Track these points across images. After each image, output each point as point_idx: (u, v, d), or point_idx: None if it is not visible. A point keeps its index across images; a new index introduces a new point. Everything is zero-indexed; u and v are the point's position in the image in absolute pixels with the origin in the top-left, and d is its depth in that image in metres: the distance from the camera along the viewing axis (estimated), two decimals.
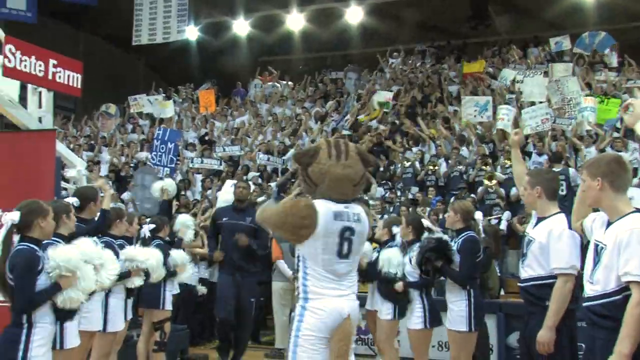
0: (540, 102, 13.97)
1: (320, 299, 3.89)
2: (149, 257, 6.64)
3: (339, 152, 3.86)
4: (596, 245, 4.00)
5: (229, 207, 8.82)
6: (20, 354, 4.53)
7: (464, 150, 14.29)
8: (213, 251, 8.71)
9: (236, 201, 8.65)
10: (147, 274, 6.70)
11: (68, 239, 5.32)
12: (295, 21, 22.60)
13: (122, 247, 6.67)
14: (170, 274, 7.47)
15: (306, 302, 3.91)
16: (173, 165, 14.78)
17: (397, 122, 17.16)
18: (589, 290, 3.96)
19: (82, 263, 4.92)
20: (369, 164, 4.04)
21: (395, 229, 7.26)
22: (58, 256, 4.76)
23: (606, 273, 3.81)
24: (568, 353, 4.67)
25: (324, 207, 3.85)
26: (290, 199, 4.07)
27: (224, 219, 8.52)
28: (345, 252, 3.91)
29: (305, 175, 3.92)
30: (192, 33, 22.38)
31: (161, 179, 13.53)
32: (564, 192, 11.06)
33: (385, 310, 7.08)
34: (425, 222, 6.92)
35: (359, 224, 3.98)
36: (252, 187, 11.99)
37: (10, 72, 7.81)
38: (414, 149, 15.13)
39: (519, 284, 5.14)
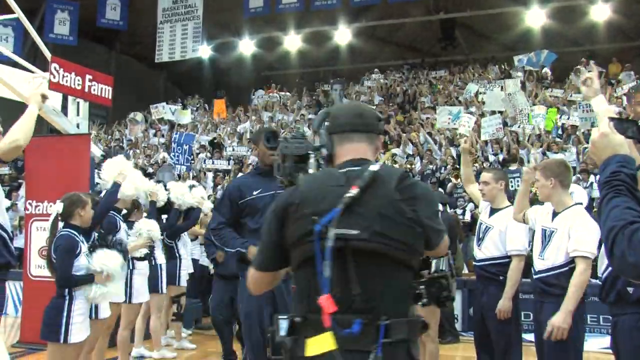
0: (494, 113, 14.11)
1: None
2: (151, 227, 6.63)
3: None
4: (544, 230, 4.27)
5: (249, 177, 4.93)
6: (64, 320, 4.61)
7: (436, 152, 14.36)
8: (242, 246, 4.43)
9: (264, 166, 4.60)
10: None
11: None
12: (293, 41, 22.64)
13: None
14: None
15: None
16: (189, 164, 14.87)
17: None
18: (540, 265, 4.23)
19: (119, 271, 4.97)
20: None
21: None
22: (103, 259, 4.88)
23: (556, 251, 4.10)
24: (514, 317, 4.85)
25: None
26: None
27: (254, 193, 4.58)
28: None
29: None
30: (205, 52, 22.45)
31: (179, 176, 13.62)
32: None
33: None
34: None
35: None
36: None
37: (54, 86, 7.93)
38: (395, 151, 15.14)
39: (474, 263, 5.29)
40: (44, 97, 3.94)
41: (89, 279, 4.76)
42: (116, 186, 5.78)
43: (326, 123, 2.38)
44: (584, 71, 3.62)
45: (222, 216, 4.60)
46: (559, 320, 3.88)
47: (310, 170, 2.44)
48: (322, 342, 2.01)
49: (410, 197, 2.15)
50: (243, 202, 4.49)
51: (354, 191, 2.07)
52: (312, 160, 2.46)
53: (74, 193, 4.97)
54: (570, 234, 4.03)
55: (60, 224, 4.85)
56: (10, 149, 3.50)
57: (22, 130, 3.56)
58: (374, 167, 2.15)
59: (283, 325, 2.13)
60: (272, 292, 3.98)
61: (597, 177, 3.84)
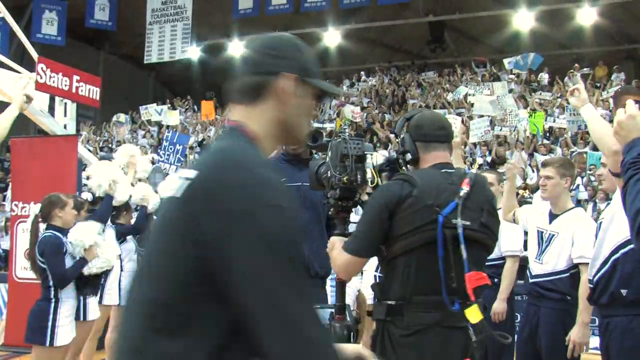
0: (481, 116, 14.16)
1: None
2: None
3: None
4: (541, 232, 4.18)
5: (276, 162, 3.88)
6: (50, 323, 4.59)
7: None
8: None
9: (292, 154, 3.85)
10: None
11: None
12: None
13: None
14: None
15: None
16: (180, 164, 14.80)
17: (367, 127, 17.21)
18: (538, 269, 4.15)
19: (98, 237, 5.02)
20: None
21: None
22: (78, 234, 4.84)
23: (557, 256, 4.01)
24: (509, 319, 4.83)
25: None
26: None
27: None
28: None
29: None
30: (194, 53, 22.37)
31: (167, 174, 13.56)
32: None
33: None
34: None
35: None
36: None
37: (41, 87, 7.87)
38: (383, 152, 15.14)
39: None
40: (28, 98, 3.90)
41: (81, 264, 4.78)
42: (109, 198, 5.64)
43: (405, 128, 2.73)
44: (569, 82, 3.62)
45: None
46: (579, 336, 3.83)
47: (368, 170, 2.72)
48: (474, 313, 2.37)
49: (494, 197, 2.76)
50: None
51: (466, 188, 2.49)
52: (369, 160, 2.73)
53: (54, 194, 4.93)
54: (574, 239, 3.95)
55: (44, 226, 4.80)
56: None
57: None
58: (472, 170, 2.41)
59: (381, 309, 2.53)
60: None
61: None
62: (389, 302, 2.51)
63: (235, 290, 1.31)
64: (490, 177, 5.02)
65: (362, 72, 22.62)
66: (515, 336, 5.24)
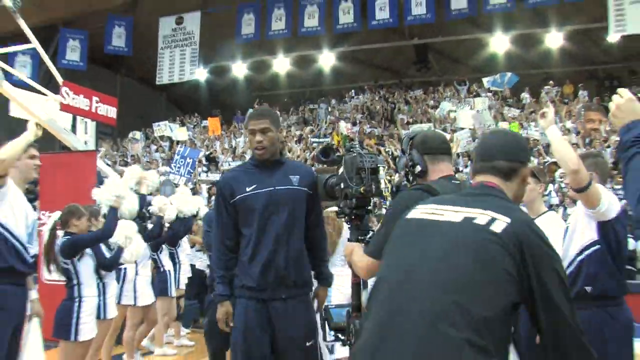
0: (462, 129, 14.28)
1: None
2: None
3: None
4: None
5: (241, 170, 3.51)
6: (74, 320, 4.66)
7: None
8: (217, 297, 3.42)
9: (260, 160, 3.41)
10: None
11: None
12: (282, 64, 22.68)
13: None
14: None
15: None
16: (189, 176, 14.86)
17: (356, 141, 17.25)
18: None
19: (136, 233, 5.71)
20: None
21: None
22: (105, 190, 5.46)
23: None
24: None
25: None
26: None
27: (248, 189, 3.30)
28: None
29: None
30: (201, 74, 22.45)
31: (177, 185, 13.62)
32: None
33: None
34: None
35: None
36: None
37: (65, 107, 8.00)
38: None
39: None
40: (39, 127, 4.01)
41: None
42: (114, 211, 5.43)
43: (410, 146, 2.73)
44: (541, 104, 3.69)
45: (222, 237, 3.32)
46: None
47: (382, 181, 2.85)
48: None
49: None
50: (234, 200, 3.26)
51: None
52: (382, 172, 2.86)
53: (74, 204, 5.03)
54: None
55: (61, 233, 4.88)
56: None
57: (8, 151, 3.61)
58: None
59: None
60: (267, 312, 3.21)
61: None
62: None
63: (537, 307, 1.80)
64: None
65: (353, 91, 22.74)
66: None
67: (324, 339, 3.44)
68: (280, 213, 3.25)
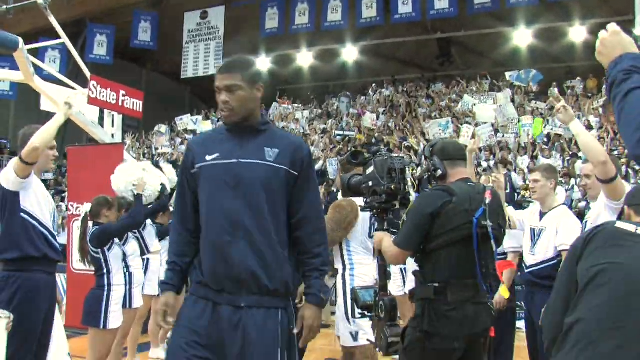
0: (485, 123, 14.17)
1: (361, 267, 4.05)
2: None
3: None
4: (533, 230, 4.33)
5: (213, 132, 2.92)
6: (103, 308, 4.74)
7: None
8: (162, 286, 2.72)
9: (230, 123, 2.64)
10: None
11: None
12: (305, 58, 22.73)
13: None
14: None
15: (352, 270, 4.05)
16: None
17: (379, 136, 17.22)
18: (531, 260, 4.31)
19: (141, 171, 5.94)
20: None
21: None
22: (123, 177, 5.72)
23: (545, 247, 4.17)
24: (509, 308, 4.91)
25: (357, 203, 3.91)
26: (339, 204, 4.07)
27: (208, 158, 2.55)
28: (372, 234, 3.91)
29: None
30: None
31: None
32: (508, 191, 11.18)
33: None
34: None
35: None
36: None
37: (92, 101, 8.09)
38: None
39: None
40: (69, 105, 3.99)
41: (140, 200, 5.58)
42: (139, 199, 5.56)
43: (431, 151, 3.16)
44: (554, 99, 3.72)
45: (181, 215, 2.65)
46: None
47: (408, 179, 3.10)
48: (505, 291, 3.11)
49: (502, 204, 3.26)
50: (193, 171, 2.58)
51: (489, 198, 2.91)
52: (408, 172, 3.12)
53: (103, 196, 5.11)
54: (558, 231, 4.10)
55: (91, 224, 4.97)
56: (29, 152, 3.58)
57: (40, 136, 3.63)
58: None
59: (428, 290, 2.91)
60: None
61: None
62: (435, 284, 2.90)
63: None
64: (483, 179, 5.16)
65: (374, 85, 22.65)
66: (517, 322, 5.32)
67: (353, 316, 3.88)
68: (242, 192, 2.46)
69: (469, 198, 2.93)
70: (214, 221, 2.48)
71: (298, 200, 2.57)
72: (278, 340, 2.42)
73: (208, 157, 2.54)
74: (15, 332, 3.27)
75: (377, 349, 3.15)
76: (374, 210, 3.24)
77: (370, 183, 3.18)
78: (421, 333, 2.87)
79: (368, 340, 3.68)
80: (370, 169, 3.21)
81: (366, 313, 3.23)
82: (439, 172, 3.07)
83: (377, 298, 3.12)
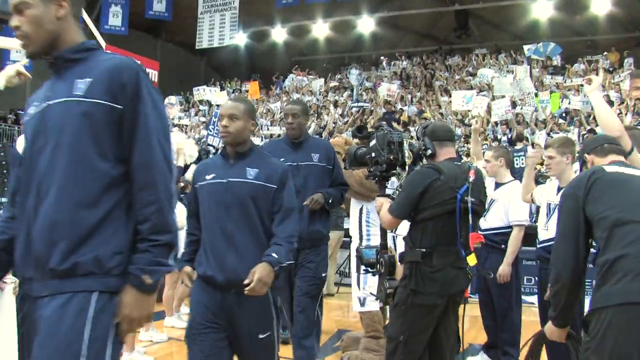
0: (503, 97, 13.96)
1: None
2: None
3: None
4: (549, 204, 4.28)
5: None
6: None
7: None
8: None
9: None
10: None
11: None
12: (321, 29, 22.51)
13: None
14: None
15: (369, 242, 4.62)
16: None
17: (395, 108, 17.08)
18: (544, 235, 4.26)
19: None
20: None
21: None
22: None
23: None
24: (515, 281, 4.89)
25: None
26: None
27: (207, 177, 3.04)
28: None
29: None
30: (241, 39, 22.48)
31: (214, 153, 13.65)
32: (524, 165, 11.06)
33: None
34: None
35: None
36: None
37: None
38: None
39: (480, 232, 5.28)
40: (19, 74, 3.79)
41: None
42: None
43: (423, 132, 3.51)
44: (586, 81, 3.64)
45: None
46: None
47: (406, 151, 3.51)
48: (472, 259, 3.16)
49: (484, 182, 3.62)
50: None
51: (472, 177, 3.24)
52: (405, 144, 3.52)
53: None
54: None
55: None
56: None
57: None
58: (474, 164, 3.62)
59: (416, 254, 3.27)
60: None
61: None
62: (422, 250, 3.25)
63: None
64: (488, 154, 5.09)
65: (386, 58, 22.44)
66: (528, 297, 5.32)
67: (357, 271, 4.51)
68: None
69: (454, 176, 3.26)
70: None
71: (128, 143, 1.92)
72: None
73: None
74: None
75: (377, 300, 3.62)
76: (376, 178, 3.64)
77: (373, 154, 3.61)
78: (409, 291, 3.26)
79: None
80: (373, 142, 3.63)
81: (369, 270, 3.65)
82: (429, 151, 3.44)
83: (378, 255, 3.58)
